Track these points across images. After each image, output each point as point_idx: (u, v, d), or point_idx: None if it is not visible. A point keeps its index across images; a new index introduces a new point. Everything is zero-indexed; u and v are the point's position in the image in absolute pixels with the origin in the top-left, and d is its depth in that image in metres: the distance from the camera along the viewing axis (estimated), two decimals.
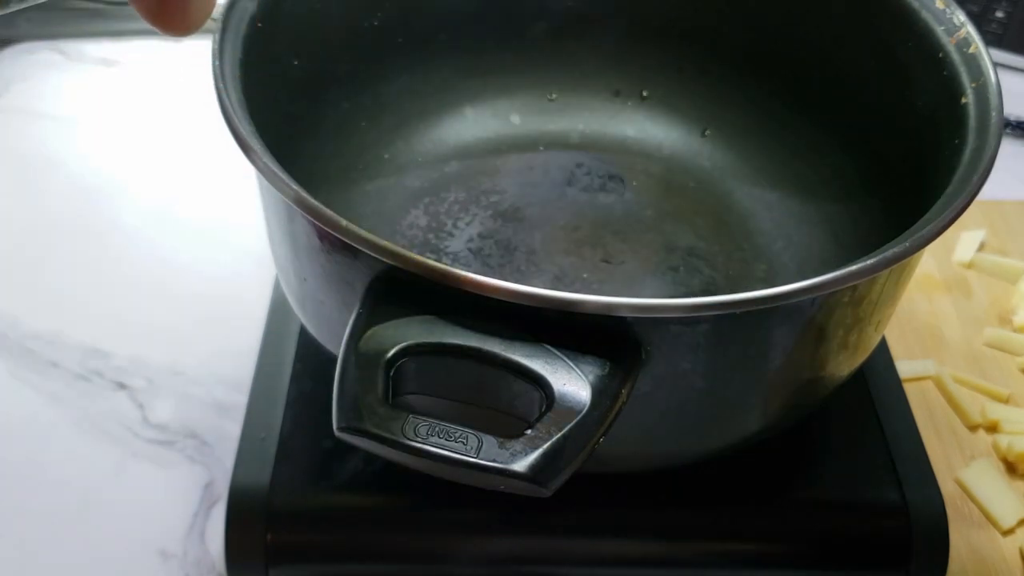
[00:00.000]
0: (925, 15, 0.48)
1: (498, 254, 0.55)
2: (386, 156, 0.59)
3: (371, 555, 0.47)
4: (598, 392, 0.34)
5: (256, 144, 0.39)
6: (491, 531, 0.47)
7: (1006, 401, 0.58)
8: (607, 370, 0.35)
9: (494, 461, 0.33)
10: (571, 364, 0.34)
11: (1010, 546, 0.51)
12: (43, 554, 0.50)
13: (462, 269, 0.35)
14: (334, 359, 0.36)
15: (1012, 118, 0.77)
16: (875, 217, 0.51)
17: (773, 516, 0.48)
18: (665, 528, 0.48)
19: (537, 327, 0.35)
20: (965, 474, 0.54)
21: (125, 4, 0.83)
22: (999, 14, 0.83)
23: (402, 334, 0.35)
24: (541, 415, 0.34)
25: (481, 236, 0.56)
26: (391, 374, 0.35)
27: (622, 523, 0.48)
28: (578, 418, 0.34)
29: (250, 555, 0.46)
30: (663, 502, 0.48)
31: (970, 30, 0.46)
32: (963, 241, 0.66)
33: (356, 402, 0.34)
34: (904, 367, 0.57)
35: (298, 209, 0.38)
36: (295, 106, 0.51)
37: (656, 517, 0.48)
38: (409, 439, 0.33)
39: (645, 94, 0.62)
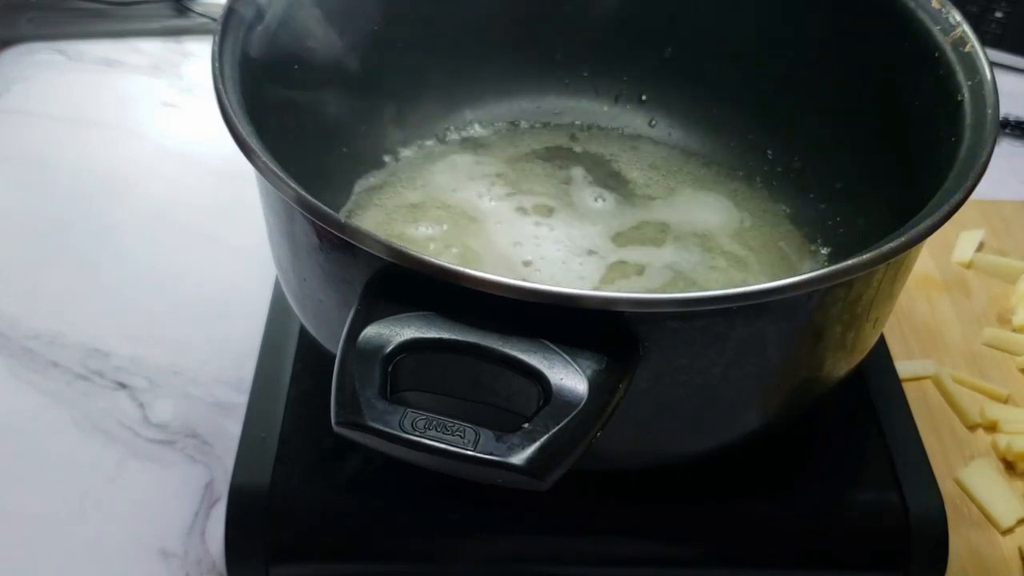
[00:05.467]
0: (921, 15, 0.48)
1: None
2: (385, 159, 0.59)
3: (371, 555, 0.47)
4: (596, 386, 0.34)
5: (256, 144, 0.39)
6: (491, 531, 0.47)
7: (1005, 401, 0.58)
8: (604, 365, 0.35)
9: (491, 454, 0.33)
10: (568, 359, 0.35)
11: (1009, 545, 0.51)
12: (43, 554, 0.50)
13: (460, 265, 0.35)
14: (334, 358, 0.36)
15: (1012, 118, 0.77)
16: (872, 215, 0.51)
17: (773, 516, 0.48)
18: (665, 528, 0.48)
19: (535, 322, 0.35)
20: (964, 474, 0.54)
21: (125, 4, 0.83)
22: (998, 14, 0.83)
23: (400, 330, 0.35)
24: (539, 409, 0.34)
25: None
26: (389, 370, 0.35)
27: (622, 523, 0.48)
28: (575, 412, 0.34)
29: (250, 554, 0.46)
30: (663, 501, 0.48)
31: (966, 29, 0.46)
32: (962, 241, 0.66)
33: (354, 397, 0.34)
34: (903, 367, 0.57)
35: (297, 208, 0.38)
36: (294, 108, 0.51)
37: (656, 517, 0.48)
38: (407, 432, 0.33)
39: (644, 97, 0.62)
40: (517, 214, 0.56)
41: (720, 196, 0.59)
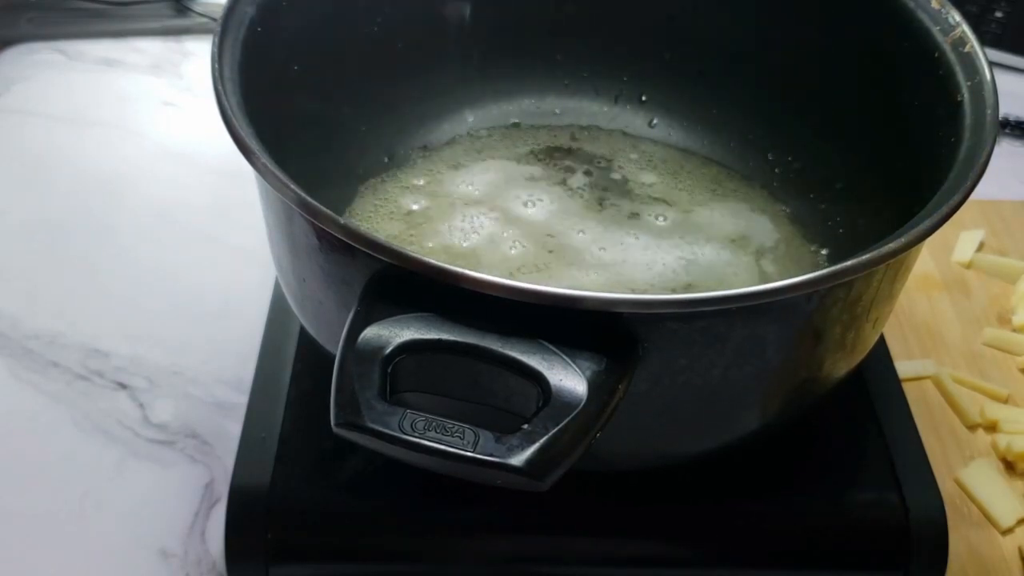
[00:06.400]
0: (921, 15, 0.48)
1: None
2: (386, 160, 0.59)
3: (371, 555, 0.47)
4: (595, 387, 0.34)
5: (255, 145, 0.39)
6: (491, 531, 0.48)
7: (1005, 401, 0.58)
8: (604, 366, 0.35)
9: (491, 455, 0.33)
10: (568, 360, 0.35)
11: (1009, 545, 0.51)
12: (43, 554, 0.50)
13: (460, 266, 0.35)
14: (334, 359, 0.36)
15: (1012, 118, 0.77)
16: (872, 215, 0.51)
17: (773, 516, 0.48)
18: (665, 528, 0.48)
19: (534, 323, 0.35)
20: (964, 474, 0.54)
21: (125, 4, 0.83)
22: (998, 14, 0.83)
23: (400, 331, 0.35)
24: (538, 410, 0.34)
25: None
26: (389, 371, 0.35)
27: (622, 523, 0.48)
28: (574, 413, 0.34)
29: (250, 555, 0.46)
30: (663, 502, 0.48)
31: (965, 29, 0.47)
32: (962, 241, 0.66)
33: (354, 398, 0.34)
34: (903, 367, 0.57)
35: (297, 209, 0.38)
36: (294, 109, 0.51)
37: (656, 517, 0.48)
38: (406, 434, 0.33)
39: (644, 98, 0.62)
40: (520, 214, 0.56)
41: (724, 196, 0.59)
